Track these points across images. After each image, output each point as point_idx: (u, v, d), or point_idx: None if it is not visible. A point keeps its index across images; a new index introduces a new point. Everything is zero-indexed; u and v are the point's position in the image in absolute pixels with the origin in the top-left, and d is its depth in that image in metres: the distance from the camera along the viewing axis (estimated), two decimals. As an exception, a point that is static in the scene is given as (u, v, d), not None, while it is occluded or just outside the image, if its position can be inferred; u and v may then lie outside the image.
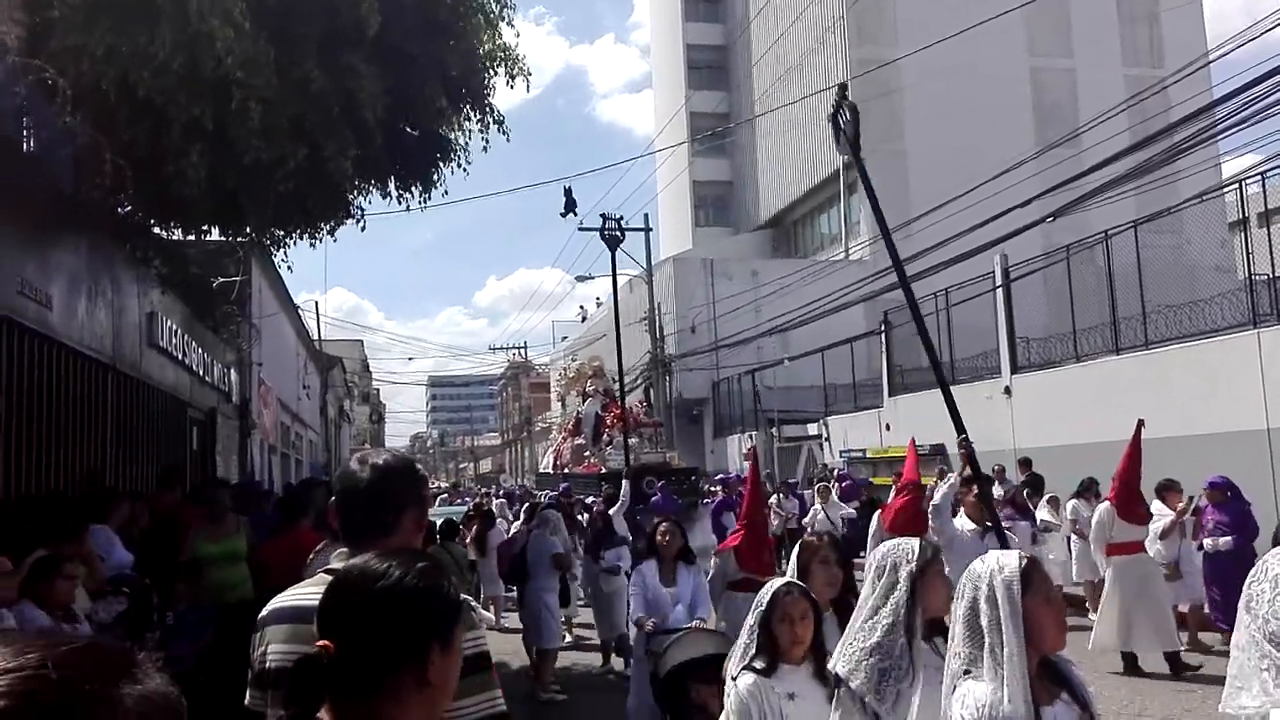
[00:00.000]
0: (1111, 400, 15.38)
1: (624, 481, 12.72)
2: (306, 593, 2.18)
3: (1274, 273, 13.47)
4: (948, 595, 2.83)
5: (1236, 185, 14.68)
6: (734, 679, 3.25)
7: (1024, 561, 2.44)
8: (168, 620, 6.16)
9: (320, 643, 1.55)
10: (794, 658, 3.26)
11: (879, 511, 9.38)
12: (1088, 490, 12.20)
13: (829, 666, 3.02)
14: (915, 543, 2.99)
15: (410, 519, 2.26)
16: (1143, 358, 15.21)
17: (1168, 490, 10.12)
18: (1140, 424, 9.16)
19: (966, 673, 2.39)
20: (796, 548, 4.12)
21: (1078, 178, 14.76)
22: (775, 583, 3.40)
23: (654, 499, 14.96)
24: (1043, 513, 12.67)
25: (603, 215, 13.49)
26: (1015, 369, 18.43)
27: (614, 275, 13.05)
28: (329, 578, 2.10)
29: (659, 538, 6.71)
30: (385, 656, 1.56)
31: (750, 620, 3.31)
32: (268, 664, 2.12)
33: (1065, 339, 17.50)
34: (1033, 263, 18.50)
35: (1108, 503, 9.56)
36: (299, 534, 6.53)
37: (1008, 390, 18.31)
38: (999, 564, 2.43)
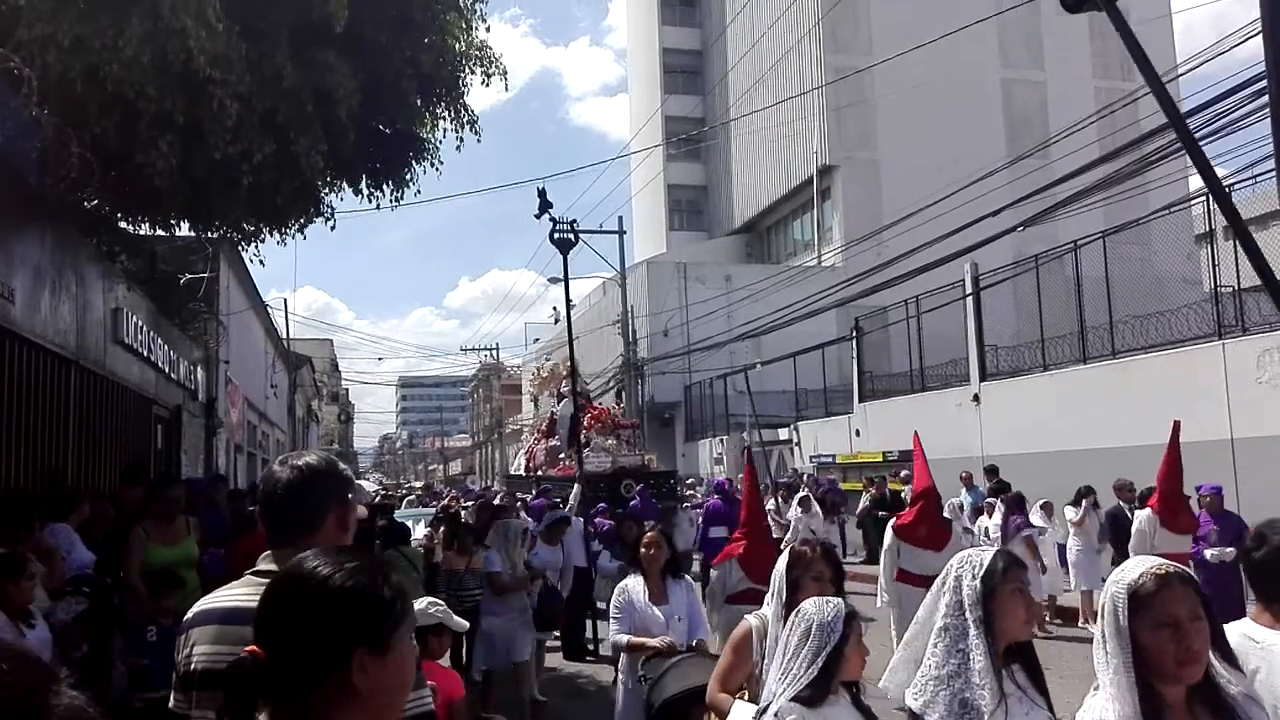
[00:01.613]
0: (1078, 409, 15.55)
1: (575, 486, 12.47)
2: (233, 594, 2.17)
3: (1239, 285, 13.67)
4: (1027, 616, 2.53)
5: (1203, 198, 14.88)
6: (775, 714, 2.83)
7: (1144, 579, 2.15)
8: (149, 636, 5.71)
9: (249, 648, 1.50)
10: (836, 686, 2.88)
11: (891, 524, 8.71)
12: (1084, 497, 12.14)
13: (886, 692, 2.68)
14: (987, 555, 2.60)
15: (332, 519, 2.23)
16: (1109, 367, 15.39)
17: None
18: (1177, 426, 8.68)
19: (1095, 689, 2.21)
20: (784, 560, 3.60)
21: (1048, 188, 14.91)
22: (837, 605, 2.94)
23: (633, 502, 14.71)
24: (1036, 518, 12.50)
25: (552, 218, 13.28)
26: (984, 377, 18.57)
27: (565, 279, 12.93)
28: (256, 580, 2.10)
29: (643, 550, 5.73)
30: (307, 664, 1.49)
31: (808, 646, 2.84)
32: (193, 665, 2.10)
33: (1033, 348, 17.68)
34: (1002, 272, 18.67)
35: (1149, 510, 9.01)
36: (259, 537, 6.35)
37: (976, 398, 18.45)
38: (1117, 576, 2.22)
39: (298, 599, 1.52)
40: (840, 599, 3.02)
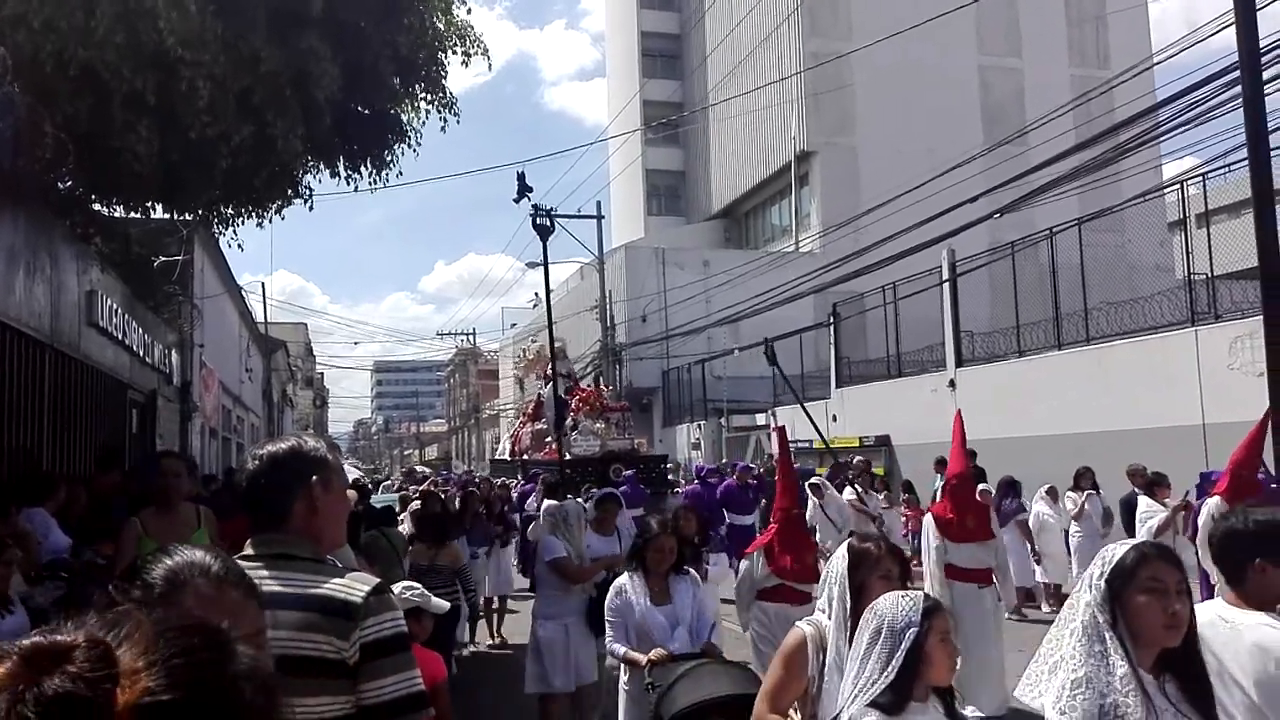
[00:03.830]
0: (1053, 394, 15.71)
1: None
2: None
3: (1212, 272, 13.83)
4: (1166, 620, 2.22)
5: (1177, 186, 15.03)
6: None
7: None
8: None
9: None
10: (923, 693, 2.49)
11: (929, 514, 8.02)
12: (1081, 479, 11.97)
13: (1017, 696, 2.37)
14: (1121, 549, 2.32)
15: (300, 505, 2.23)
16: (1084, 353, 15.55)
17: (1157, 485, 9.78)
18: (1269, 413, 8.04)
19: None
20: (844, 560, 3.16)
21: (1023, 175, 15.02)
22: (914, 598, 2.57)
23: (621, 488, 14.51)
24: (1041, 505, 12.29)
25: (534, 205, 13.32)
26: (960, 362, 18.72)
27: (545, 265, 12.98)
28: (244, 565, 2.12)
29: (652, 553, 5.01)
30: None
31: (880, 645, 2.48)
32: None
33: (1009, 333, 17.83)
34: (978, 258, 18.80)
35: (1217, 498, 8.07)
36: (239, 524, 6.22)
37: (952, 383, 18.60)
38: None
39: None
40: (919, 592, 2.66)
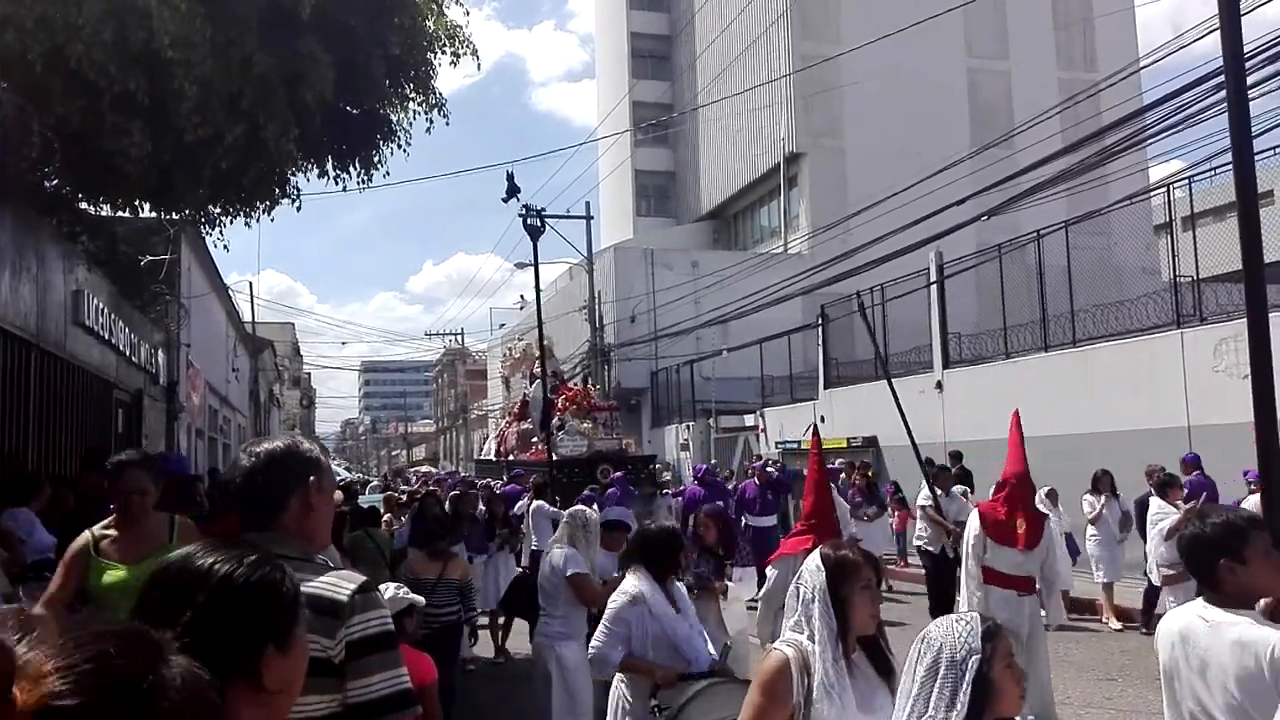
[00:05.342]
0: (1040, 396, 15.75)
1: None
2: None
3: (1197, 275, 13.91)
4: None
5: (1164, 189, 15.11)
6: None
7: None
8: None
9: None
10: None
11: (975, 512, 7.58)
12: (1101, 484, 11.76)
13: None
14: None
15: (295, 502, 2.24)
16: (1070, 355, 15.62)
17: (1169, 486, 9.61)
18: None
19: None
20: (818, 569, 2.86)
21: (1011, 178, 15.08)
22: (971, 621, 2.30)
23: (610, 490, 14.19)
24: (1040, 506, 11.78)
25: (525, 205, 13.35)
26: (947, 364, 18.78)
27: (536, 265, 12.98)
28: None
29: (678, 557, 4.70)
30: (212, 664, 1.42)
31: (941, 679, 2.21)
32: None
33: (996, 335, 17.89)
34: (966, 260, 18.86)
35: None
36: (228, 524, 6.15)
37: (939, 385, 18.65)
38: None
39: (204, 596, 1.43)
40: (974, 614, 2.39)
